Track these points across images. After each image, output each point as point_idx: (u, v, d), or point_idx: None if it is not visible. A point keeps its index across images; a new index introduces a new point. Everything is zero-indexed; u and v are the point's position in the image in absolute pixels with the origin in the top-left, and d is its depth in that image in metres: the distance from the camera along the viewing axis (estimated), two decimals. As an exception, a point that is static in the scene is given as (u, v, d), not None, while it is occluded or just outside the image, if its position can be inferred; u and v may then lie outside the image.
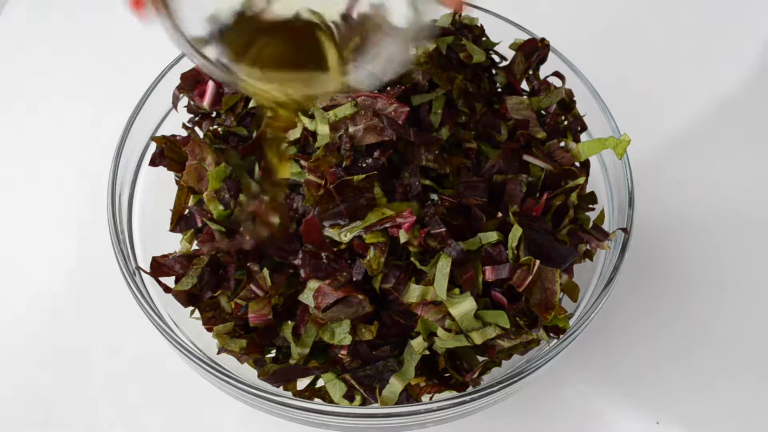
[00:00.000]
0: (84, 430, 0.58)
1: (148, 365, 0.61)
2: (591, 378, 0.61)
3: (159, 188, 0.60)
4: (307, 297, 0.47)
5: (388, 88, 0.51)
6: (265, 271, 0.47)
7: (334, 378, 0.48)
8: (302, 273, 0.47)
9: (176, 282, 0.49)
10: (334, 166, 0.48)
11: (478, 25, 0.58)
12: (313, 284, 0.47)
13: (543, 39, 0.58)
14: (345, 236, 0.46)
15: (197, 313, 0.51)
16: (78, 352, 0.62)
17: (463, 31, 0.57)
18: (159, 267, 0.50)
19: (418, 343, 0.45)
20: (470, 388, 0.48)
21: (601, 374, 0.62)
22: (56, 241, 0.68)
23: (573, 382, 0.61)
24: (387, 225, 0.45)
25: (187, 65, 0.58)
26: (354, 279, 0.46)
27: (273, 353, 0.51)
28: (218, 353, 0.49)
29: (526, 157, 0.51)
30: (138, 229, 0.58)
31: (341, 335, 0.46)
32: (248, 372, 0.50)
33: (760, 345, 0.64)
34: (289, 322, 0.48)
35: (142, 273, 0.53)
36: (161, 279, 0.51)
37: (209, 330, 0.49)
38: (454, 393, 0.47)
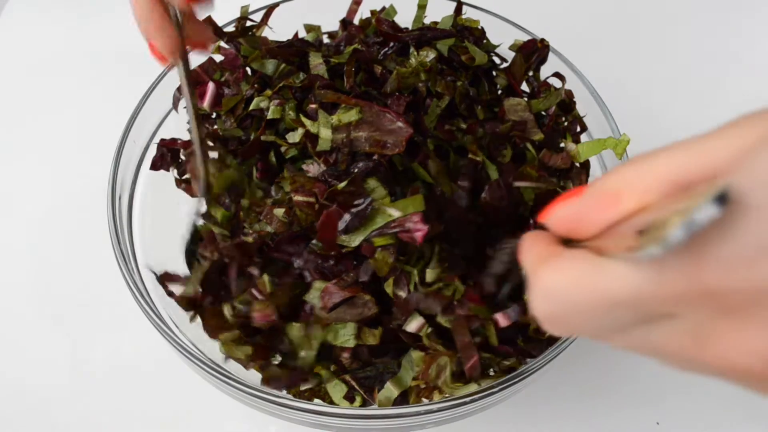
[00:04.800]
0: None
1: (147, 367, 0.61)
2: (590, 378, 0.62)
3: (159, 189, 0.60)
4: (313, 297, 0.46)
5: (397, 94, 0.51)
6: (265, 277, 0.46)
7: (335, 378, 0.48)
8: (307, 275, 0.47)
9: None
10: (324, 175, 0.47)
11: (479, 27, 0.58)
12: (319, 284, 0.46)
13: (543, 39, 0.58)
14: (353, 241, 0.45)
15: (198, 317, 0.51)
16: (77, 355, 0.62)
17: (465, 33, 0.56)
18: (166, 273, 0.50)
19: (418, 356, 0.45)
20: (470, 389, 0.48)
21: (601, 374, 0.62)
22: (57, 243, 0.68)
23: (572, 383, 0.61)
24: (396, 230, 0.44)
25: (187, 66, 0.58)
26: (360, 280, 0.46)
27: (277, 358, 0.50)
28: (225, 362, 0.49)
29: (518, 184, 0.50)
30: (138, 229, 0.58)
31: (345, 336, 0.46)
32: (248, 373, 0.50)
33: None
34: (294, 323, 0.48)
35: (142, 274, 0.53)
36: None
37: (213, 338, 0.48)
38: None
